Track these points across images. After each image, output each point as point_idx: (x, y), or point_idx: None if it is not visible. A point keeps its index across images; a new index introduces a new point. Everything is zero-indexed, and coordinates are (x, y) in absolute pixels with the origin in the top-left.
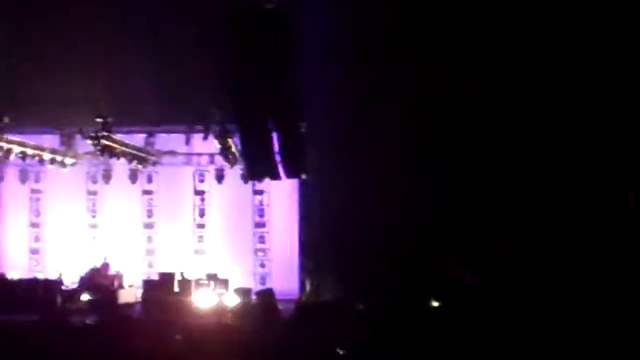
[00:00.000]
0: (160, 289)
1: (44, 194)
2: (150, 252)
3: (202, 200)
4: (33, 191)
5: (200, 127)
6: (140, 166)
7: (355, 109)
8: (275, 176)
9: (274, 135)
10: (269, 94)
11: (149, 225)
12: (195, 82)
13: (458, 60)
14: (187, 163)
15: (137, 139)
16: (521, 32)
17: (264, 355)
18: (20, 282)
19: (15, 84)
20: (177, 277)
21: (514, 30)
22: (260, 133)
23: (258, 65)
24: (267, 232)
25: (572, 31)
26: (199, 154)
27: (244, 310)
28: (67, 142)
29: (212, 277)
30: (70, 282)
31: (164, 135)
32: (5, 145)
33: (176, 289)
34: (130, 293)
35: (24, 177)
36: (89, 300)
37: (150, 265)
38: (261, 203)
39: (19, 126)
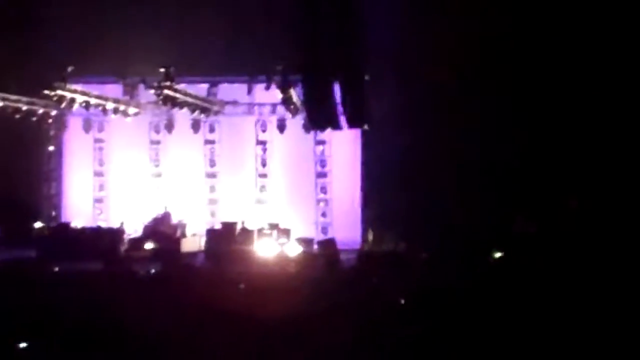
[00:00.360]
0: (222, 238)
1: (107, 144)
2: (212, 202)
3: (264, 150)
4: (96, 140)
5: (262, 77)
6: (202, 116)
7: (418, 59)
8: (337, 126)
9: (336, 86)
10: (332, 45)
11: (211, 175)
12: (259, 32)
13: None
14: (249, 113)
15: (200, 89)
16: None
17: (326, 304)
18: (84, 231)
19: (79, 33)
20: (242, 227)
21: None
22: (323, 83)
23: (322, 16)
24: (329, 182)
25: None
26: (261, 104)
27: (306, 259)
28: (130, 92)
29: (274, 226)
30: (133, 230)
31: (226, 85)
32: (69, 95)
33: (239, 238)
34: (193, 242)
35: (87, 127)
36: (152, 249)
37: (212, 215)
38: (323, 153)
39: (82, 76)
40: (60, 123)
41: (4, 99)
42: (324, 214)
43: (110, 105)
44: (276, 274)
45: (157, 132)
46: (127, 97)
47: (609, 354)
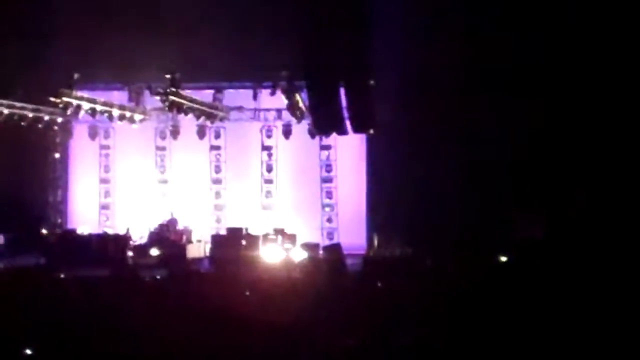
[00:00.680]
0: (228, 244)
1: (113, 150)
2: (218, 208)
3: (270, 155)
4: (102, 147)
5: (267, 82)
6: (208, 122)
7: (424, 64)
8: (342, 131)
9: (342, 90)
10: (337, 50)
11: (217, 181)
12: (263, 38)
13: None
14: (255, 118)
15: (205, 95)
16: None
17: (332, 309)
18: (91, 238)
19: (85, 41)
20: (247, 232)
21: None
22: (328, 88)
23: (327, 21)
24: (335, 188)
25: None
26: (267, 110)
27: (312, 265)
28: (136, 99)
29: (279, 232)
30: (139, 237)
31: (231, 91)
32: (75, 102)
33: (244, 244)
34: (199, 248)
35: (93, 133)
36: (158, 255)
37: (218, 221)
38: (328, 158)
39: (88, 82)
40: (66, 130)
41: (9, 107)
42: (329, 219)
43: (116, 112)
44: (282, 280)
45: (163, 138)
46: (132, 104)
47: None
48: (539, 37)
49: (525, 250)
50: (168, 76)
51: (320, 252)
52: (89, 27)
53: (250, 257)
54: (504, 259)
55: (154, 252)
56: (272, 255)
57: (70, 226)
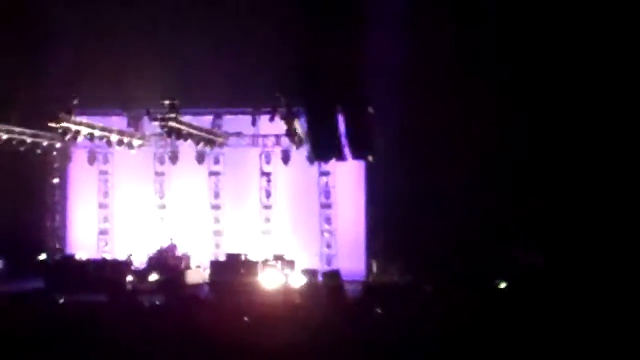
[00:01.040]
0: (227, 269)
1: (111, 175)
2: (217, 233)
3: (269, 181)
4: (101, 172)
5: (266, 108)
6: (207, 147)
7: (423, 91)
8: (341, 157)
9: (340, 117)
10: (336, 76)
11: (215, 207)
12: (262, 64)
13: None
14: (254, 144)
15: (204, 121)
16: None
17: (331, 335)
18: (89, 263)
19: (84, 66)
20: (246, 258)
21: None
22: (327, 114)
23: (326, 47)
24: (334, 213)
25: None
26: (265, 136)
27: (311, 291)
28: (135, 124)
29: (278, 258)
30: (139, 262)
31: (230, 116)
32: (74, 127)
33: (243, 270)
34: (198, 274)
35: (92, 159)
36: (157, 280)
37: (217, 246)
38: (327, 184)
39: (87, 108)
40: (65, 155)
41: (8, 132)
42: (328, 245)
43: (114, 137)
44: (281, 306)
45: (162, 163)
46: (131, 129)
47: None
48: (540, 69)
49: (525, 277)
50: (167, 102)
51: (320, 278)
52: (88, 52)
53: (249, 283)
54: (503, 285)
55: (153, 277)
56: (271, 281)
57: (69, 251)
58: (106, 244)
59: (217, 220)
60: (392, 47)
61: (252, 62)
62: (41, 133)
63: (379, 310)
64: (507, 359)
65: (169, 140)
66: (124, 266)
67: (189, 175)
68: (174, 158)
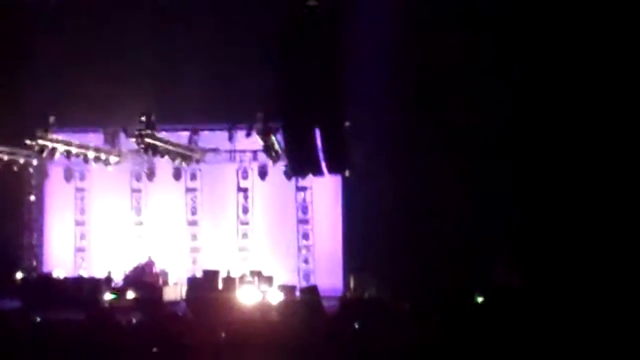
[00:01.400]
0: (204, 286)
1: (88, 192)
2: (194, 250)
3: (246, 197)
4: (78, 189)
5: (243, 124)
6: (183, 164)
7: (399, 106)
8: (318, 172)
9: (317, 132)
10: (312, 91)
11: (193, 223)
12: (238, 80)
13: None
14: (231, 160)
15: (181, 137)
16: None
17: (309, 352)
18: (66, 281)
19: (60, 84)
20: (223, 275)
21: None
22: (304, 130)
23: (303, 63)
24: (311, 229)
25: None
26: (242, 151)
27: (288, 307)
28: (111, 141)
29: (256, 274)
30: (116, 279)
31: (207, 132)
32: (51, 144)
33: (220, 286)
34: (175, 290)
35: (68, 176)
36: (134, 297)
37: (194, 263)
38: (304, 200)
39: (63, 125)
40: (42, 172)
41: None
42: (306, 261)
43: (91, 154)
44: (258, 322)
45: (139, 180)
46: (108, 146)
47: None
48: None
49: (502, 294)
50: (143, 118)
51: (297, 294)
52: (64, 70)
53: (227, 300)
54: (480, 299)
55: (130, 295)
56: (248, 298)
57: (45, 269)
58: (83, 261)
59: (194, 237)
60: (369, 63)
61: (229, 78)
62: (18, 150)
63: (356, 326)
64: None
65: (145, 156)
66: (101, 284)
67: (166, 191)
68: (150, 175)
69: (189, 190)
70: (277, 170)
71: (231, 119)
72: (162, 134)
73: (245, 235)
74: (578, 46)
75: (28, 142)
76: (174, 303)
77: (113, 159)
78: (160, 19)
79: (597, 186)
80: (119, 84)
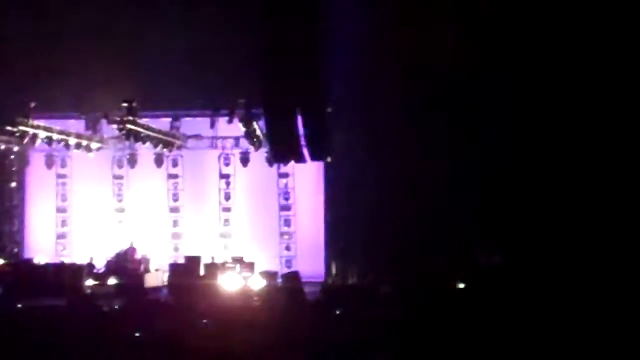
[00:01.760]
0: (186, 272)
1: (70, 179)
2: (176, 236)
3: (228, 183)
4: (59, 176)
5: (225, 110)
6: (165, 150)
7: (380, 91)
8: (300, 159)
9: (299, 118)
10: (294, 78)
11: (174, 209)
12: (220, 66)
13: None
14: (212, 146)
15: (162, 123)
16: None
17: (290, 337)
18: (47, 267)
19: (41, 69)
20: (205, 261)
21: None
22: (285, 116)
23: (284, 49)
24: (293, 215)
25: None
26: (224, 138)
27: (270, 293)
28: (93, 127)
29: (238, 260)
30: (97, 266)
31: (188, 119)
32: (31, 131)
33: (202, 272)
34: (157, 277)
35: (50, 162)
36: (116, 284)
37: (176, 249)
38: (286, 186)
39: (44, 111)
40: (22, 159)
41: None
42: (287, 247)
43: (72, 141)
44: (240, 308)
45: (120, 166)
46: (89, 132)
47: None
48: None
49: (483, 277)
50: (125, 104)
51: (279, 280)
52: (44, 55)
53: (209, 286)
54: (462, 285)
55: (112, 281)
56: (230, 284)
57: (26, 256)
58: (64, 248)
59: (176, 223)
60: (351, 48)
61: (210, 64)
62: None
63: (337, 312)
64: (464, 358)
65: (127, 143)
66: (83, 270)
67: (147, 178)
68: (132, 161)
69: (170, 176)
70: (259, 156)
71: (213, 105)
72: (144, 120)
73: (227, 222)
74: (570, 44)
75: (8, 128)
76: (156, 289)
77: (94, 145)
78: (141, 4)
79: (575, 163)
80: (100, 69)
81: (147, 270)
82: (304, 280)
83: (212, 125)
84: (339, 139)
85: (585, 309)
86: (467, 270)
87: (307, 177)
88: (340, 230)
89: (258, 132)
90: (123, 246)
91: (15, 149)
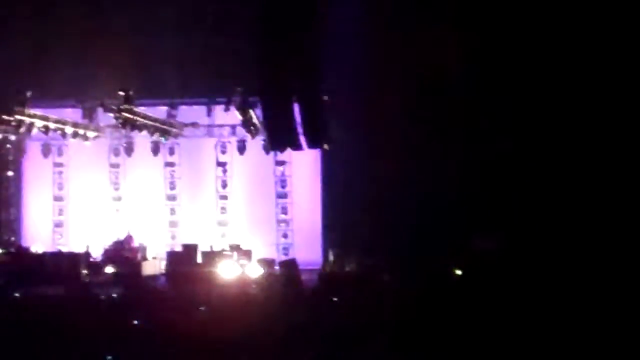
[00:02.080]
0: (183, 260)
1: (66, 168)
2: (173, 224)
3: (224, 171)
4: (56, 165)
5: (221, 98)
6: (162, 138)
7: (377, 79)
8: (297, 146)
9: (296, 106)
10: (291, 65)
11: (171, 197)
12: (217, 54)
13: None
14: (209, 135)
15: (159, 111)
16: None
17: (288, 325)
18: (45, 256)
19: (37, 58)
20: (203, 249)
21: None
22: (282, 104)
23: (281, 36)
24: (290, 203)
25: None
26: (221, 126)
27: (267, 280)
28: (89, 116)
29: (235, 248)
30: (95, 254)
31: (185, 107)
32: (28, 120)
33: (199, 260)
34: (154, 265)
35: (46, 151)
36: (113, 272)
37: (173, 237)
38: (283, 174)
39: (41, 100)
40: (19, 148)
41: None
42: (284, 235)
43: (69, 129)
44: (237, 296)
45: (117, 155)
46: (86, 121)
47: None
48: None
49: (479, 264)
50: (121, 93)
51: (276, 267)
52: (41, 44)
53: (206, 274)
54: (459, 272)
55: (109, 269)
56: (227, 272)
57: (24, 244)
58: (61, 237)
59: (173, 211)
60: (348, 36)
61: (207, 52)
62: None
63: (335, 299)
64: (462, 346)
65: (123, 131)
66: (80, 259)
67: (144, 166)
68: (129, 149)
69: (167, 164)
70: (255, 144)
71: (209, 93)
72: (140, 109)
73: (224, 210)
74: (569, 43)
75: (5, 117)
76: (153, 277)
77: (91, 134)
78: None
79: (570, 150)
80: (97, 58)
81: (144, 259)
82: (301, 267)
83: (209, 113)
84: (335, 127)
85: (580, 297)
86: (463, 257)
87: (304, 165)
88: (337, 217)
89: (255, 120)
90: (120, 235)
91: (12, 138)
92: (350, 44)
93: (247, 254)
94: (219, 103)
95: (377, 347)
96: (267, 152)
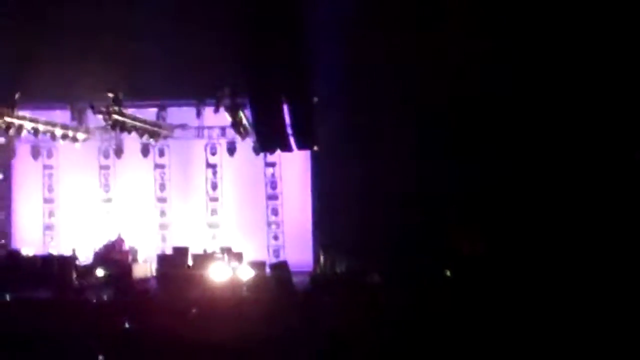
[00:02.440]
0: (174, 263)
1: (56, 170)
2: (163, 227)
3: (214, 173)
4: (45, 167)
5: (211, 100)
6: (151, 140)
7: (366, 80)
8: (286, 148)
9: (285, 107)
10: (280, 67)
11: (161, 199)
12: (206, 56)
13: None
14: (199, 136)
15: (148, 113)
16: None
17: (279, 327)
18: (35, 259)
19: (26, 59)
20: (193, 251)
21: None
22: (272, 105)
23: (270, 38)
24: (280, 205)
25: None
26: (210, 127)
27: (258, 283)
28: (78, 117)
29: (225, 250)
30: (85, 257)
31: (174, 108)
32: (17, 122)
33: (190, 263)
34: (145, 267)
35: (36, 153)
36: (104, 275)
37: (163, 240)
38: (273, 175)
39: (30, 102)
40: (9, 150)
41: None
42: (275, 237)
43: (58, 131)
44: (228, 298)
45: (107, 157)
46: (75, 123)
47: None
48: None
49: (467, 266)
50: (110, 94)
51: (267, 270)
52: (29, 45)
53: (197, 276)
54: (448, 273)
55: (100, 272)
56: (218, 274)
57: (14, 247)
58: (52, 239)
59: (163, 214)
60: (337, 37)
61: (196, 53)
62: None
63: (326, 301)
64: (452, 346)
65: (113, 133)
66: (71, 262)
67: (134, 168)
68: (118, 151)
69: (157, 166)
70: (245, 146)
71: (199, 94)
72: (130, 110)
73: (214, 212)
74: (568, 42)
75: None
76: (144, 280)
77: (80, 135)
78: None
79: (559, 152)
80: (86, 60)
81: (135, 261)
82: (292, 269)
83: (198, 114)
84: (325, 128)
85: (569, 299)
86: (451, 260)
87: (294, 166)
88: (328, 219)
89: (244, 121)
90: (111, 237)
91: (1, 140)
92: (340, 44)
93: (238, 256)
94: (208, 104)
95: (369, 349)
96: (257, 154)
